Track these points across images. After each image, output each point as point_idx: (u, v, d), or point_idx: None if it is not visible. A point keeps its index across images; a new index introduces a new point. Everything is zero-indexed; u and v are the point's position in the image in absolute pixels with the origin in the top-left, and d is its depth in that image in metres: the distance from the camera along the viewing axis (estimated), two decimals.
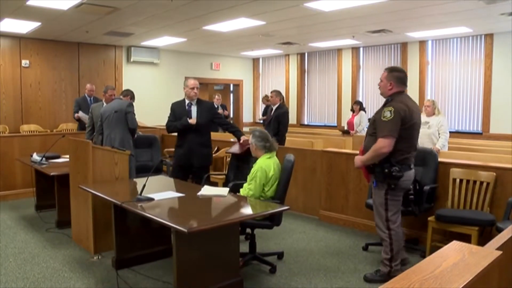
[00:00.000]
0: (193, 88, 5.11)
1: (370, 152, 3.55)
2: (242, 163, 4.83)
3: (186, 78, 5.33)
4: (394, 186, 3.57)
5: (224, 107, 10.32)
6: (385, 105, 3.60)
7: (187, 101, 5.20)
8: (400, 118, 3.46)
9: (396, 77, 3.65)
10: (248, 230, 4.19)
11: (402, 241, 3.80)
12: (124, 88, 10.14)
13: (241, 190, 4.07)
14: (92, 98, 8.01)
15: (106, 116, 5.56)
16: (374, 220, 3.85)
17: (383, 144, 3.45)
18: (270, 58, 12.59)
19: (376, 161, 3.55)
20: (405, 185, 3.67)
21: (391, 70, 3.70)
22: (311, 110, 11.70)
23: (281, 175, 3.96)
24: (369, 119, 4.01)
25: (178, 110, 5.21)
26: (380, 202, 3.68)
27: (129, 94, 5.85)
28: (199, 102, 5.20)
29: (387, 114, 3.47)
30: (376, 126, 3.57)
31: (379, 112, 3.60)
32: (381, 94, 3.77)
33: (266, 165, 3.95)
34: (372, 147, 3.53)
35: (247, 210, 3.55)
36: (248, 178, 4.01)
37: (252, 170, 3.99)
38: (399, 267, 3.73)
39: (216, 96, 10.15)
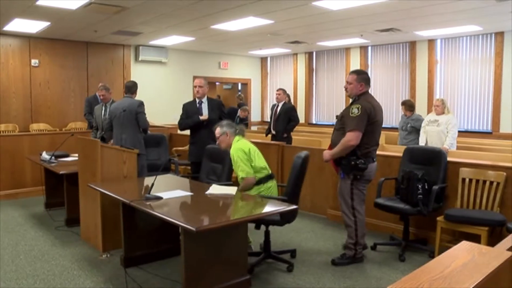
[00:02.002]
0: (195, 87, 5.55)
1: (339, 146, 3.93)
2: (216, 164, 4.86)
3: (194, 78, 5.63)
4: (360, 177, 3.98)
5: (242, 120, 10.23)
6: (352, 103, 3.99)
7: (197, 100, 5.55)
8: (367, 115, 3.86)
9: (365, 78, 4.07)
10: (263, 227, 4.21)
11: (365, 228, 4.21)
12: None
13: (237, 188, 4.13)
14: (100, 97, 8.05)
15: (115, 115, 5.54)
16: (341, 209, 4.20)
17: (351, 138, 3.84)
18: (278, 57, 12.56)
19: (344, 154, 3.93)
20: (369, 176, 4.06)
21: (358, 73, 4.10)
22: (319, 109, 11.67)
23: (290, 172, 3.98)
24: (336, 116, 4.26)
25: (190, 109, 5.54)
26: (347, 191, 4.07)
27: (135, 91, 5.71)
28: (209, 100, 5.57)
29: (355, 111, 3.86)
30: (344, 121, 3.94)
31: (347, 109, 4.00)
32: (350, 95, 4.12)
33: (238, 145, 4.13)
34: (341, 140, 3.90)
35: (256, 209, 3.56)
36: (234, 168, 4.13)
37: (232, 158, 4.12)
38: (362, 250, 4.16)
39: (242, 112, 10.12)
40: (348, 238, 4.15)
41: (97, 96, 8.01)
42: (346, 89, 4.15)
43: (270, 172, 4.19)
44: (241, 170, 4.01)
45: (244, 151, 4.05)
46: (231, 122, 4.38)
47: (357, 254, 4.12)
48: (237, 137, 4.23)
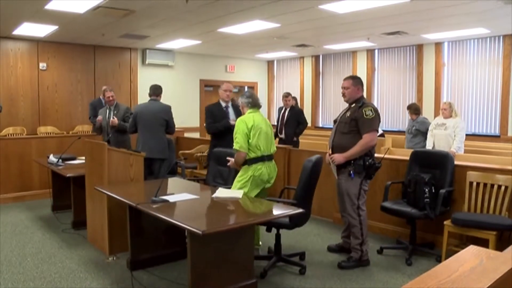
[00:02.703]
0: (225, 91, 5.52)
1: (356, 147, 3.98)
2: (222, 167, 4.85)
3: (222, 83, 5.64)
4: (373, 175, 4.11)
5: None
6: (361, 106, 4.05)
7: (223, 104, 5.54)
8: (378, 116, 4.05)
9: (360, 82, 4.21)
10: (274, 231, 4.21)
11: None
12: (139, 90, 10.27)
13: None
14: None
15: (141, 118, 5.53)
16: (346, 209, 4.22)
17: (371, 138, 3.98)
18: (285, 60, 12.57)
19: (359, 155, 4.00)
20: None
21: (353, 78, 4.24)
22: (326, 113, 11.66)
23: (301, 174, 3.97)
24: (334, 121, 4.40)
25: (217, 112, 5.50)
26: (355, 192, 4.10)
27: (160, 93, 5.78)
28: (233, 105, 5.54)
29: (369, 113, 3.98)
30: (357, 124, 4.01)
31: (356, 113, 4.04)
32: (348, 100, 4.22)
33: (246, 117, 4.15)
34: (359, 142, 3.97)
35: (262, 212, 3.55)
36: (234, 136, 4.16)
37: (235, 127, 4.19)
38: (368, 252, 4.19)
39: None
40: (354, 239, 4.17)
41: (101, 99, 8.05)
42: (343, 94, 4.24)
43: (264, 154, 4.11)
44: (236, 142, 4.07)
45: (247, 125, 4.07)
46: (250, 94, 4.32)
47: (363, 256, 4.14)
48: (250, 110, 4.23)
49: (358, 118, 4.02)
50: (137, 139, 5.66)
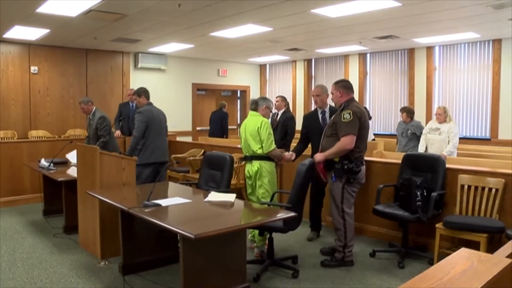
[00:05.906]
0: (312, 96, 5.07)
1: (334, 148, 4.04)
2: (215, 171, 4.83)
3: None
4: (353, 180, 4.10)
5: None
6: (342, 109, 4.12)
7: (319, 111, 5.04)
8: (358, 119, 4.02)
9: (343, 86, 4.23)
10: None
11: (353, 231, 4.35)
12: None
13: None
14: (134, 104, 8.16)
15: (155, 125, 5.58)
16: (331, 212, 4.34)
17: (347, 142, 3.98)
18: (277, 64, 12.60)
19: (337, 158, 4.07)
20: (360, 179, 4.19)
21: (336, 83, 4.30)
22: None
23: (295, 179, 4.00)
24: (325, 124, 4.40)
25: (309, 120, 5.13)
26: (337, 195, 4.18)
27: (143, 94, 5.76)
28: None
29: (347, 116, 4.01)
30: (336, 127, 4.08)
31: (337, 116, 4.15)
32: (335, 104, 4.36)
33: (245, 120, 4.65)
34: (336, 144, 4.03)
35: (255, 216, 3.55)
36: None
37: None
38: (351, 253, 4.27)
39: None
40: (338, 241, 4.28)
41: (129, 103, 8.15)
42: (332, 100, 4.36)
43: (245, 155, 4.59)
44: None
45: (242, 126, 4.61)
46: (255, 99, 4.67)
47: (346, 257, 4.24)
48: (250, 112, 4.61)
49: (337, 122, 4.11)
50: (144, 144, 5.49)
